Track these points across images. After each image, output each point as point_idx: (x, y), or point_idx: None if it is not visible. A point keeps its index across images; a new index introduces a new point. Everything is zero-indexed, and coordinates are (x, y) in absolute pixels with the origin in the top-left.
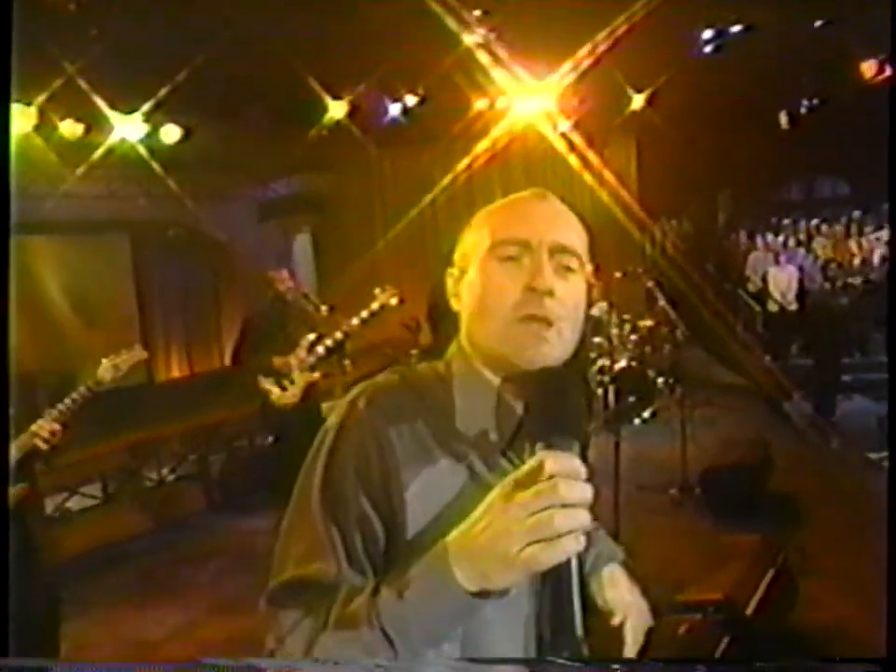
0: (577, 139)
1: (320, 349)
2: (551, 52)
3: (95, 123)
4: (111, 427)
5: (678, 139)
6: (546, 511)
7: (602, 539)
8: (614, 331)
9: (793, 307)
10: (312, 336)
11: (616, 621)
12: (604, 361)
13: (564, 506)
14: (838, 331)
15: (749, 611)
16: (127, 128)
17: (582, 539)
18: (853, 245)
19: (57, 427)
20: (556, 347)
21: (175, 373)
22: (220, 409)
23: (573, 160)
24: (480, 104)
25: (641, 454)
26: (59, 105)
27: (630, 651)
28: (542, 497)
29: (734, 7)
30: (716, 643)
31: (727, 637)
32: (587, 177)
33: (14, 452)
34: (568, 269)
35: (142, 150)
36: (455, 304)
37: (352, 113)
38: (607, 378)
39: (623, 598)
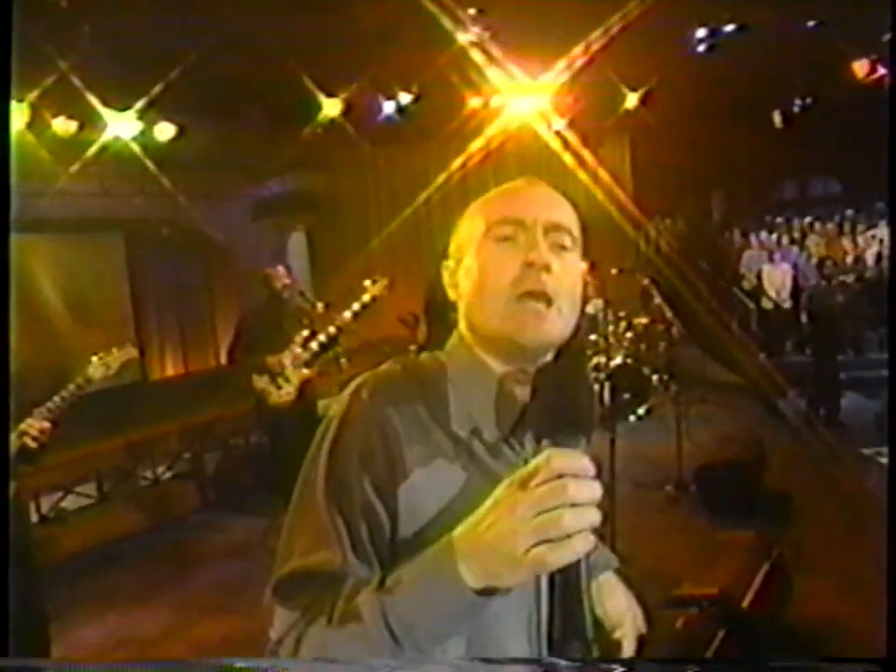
0: (571, 138)
1: (314, 345)
2: (545, 51)
3: (88, 121)
4: (106, 425)
5: (672, 138)
6: (555, 510)
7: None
8: (609, 328)
9: (788, 304)
10: (306, 332)
11: (616, 635)
12: (599, 358)
13: (573, 505)
14: (835, 329)
15: (744, 605)
16: (120, 125)
17: (591, 539)
18: (846, 243)
19: (46, 425)
20: (556, 325)
21: (170, 372)
22: (215, 407)
23: (567, 158)
24: (474, 102)
25: (637, 451)
26: (51, 103)
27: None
28: (551, 496)
29: (727, 6)
30: (712, 637)
31: (723, 631)
32: (581, 176)
33: None
34: (563, 247)
35: (135, 148)
36: (452, 294)
37: (346, 111)
38: (602, 375)
39: (620, 608)
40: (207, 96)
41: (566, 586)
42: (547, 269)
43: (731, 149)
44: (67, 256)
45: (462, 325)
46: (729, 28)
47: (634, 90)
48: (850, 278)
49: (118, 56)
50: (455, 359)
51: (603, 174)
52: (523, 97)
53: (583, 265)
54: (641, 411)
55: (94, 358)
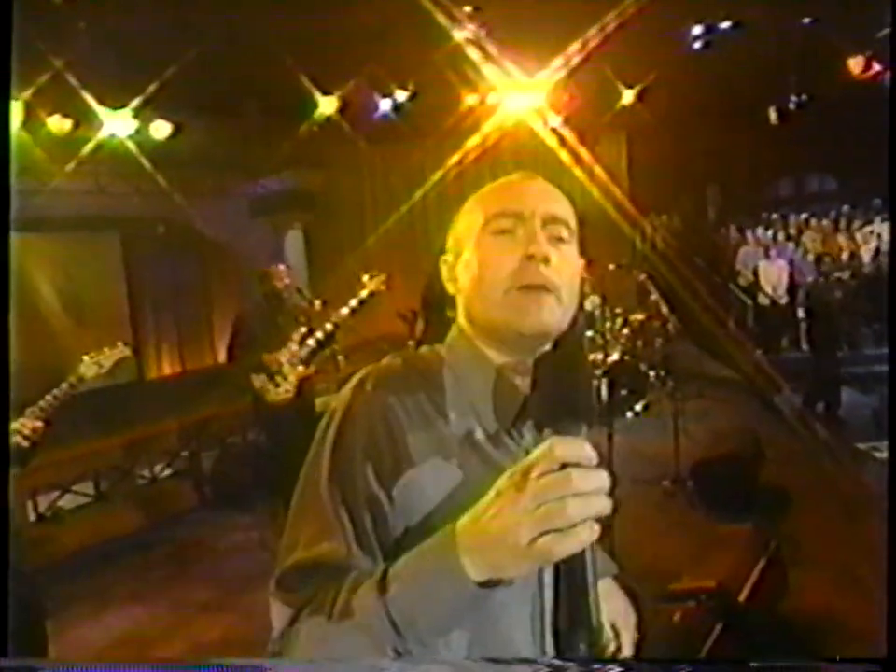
0: (567, 135)
1: (311, 342)
2: (541, 48)
3: (84, 119)
4: (103, 424)
5: (668, 135)
6: (558, 500)
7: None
8: (606, 325)
9: (784, 301)
10: (303, 330)
11: (612, 648)
12: (596, 355)
13: (576, 494)
14: (833, 325)
15: (741, 599)
16: (116, 123)
17: (597, 528)
18: (842, 239)
19: (38, 424)
20: (555, 313)
21: (167, 370)
22: (213, 405)
23: (564, 155)
24: (470, 99)
25: (634, 447)
26: (47, 101)
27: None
28: (554, 485)
29: (723, 3)
30: (709, 630)
31: (720, 624)
32: (578, 173)
33: None
34: (560, 239)
35: (131, 146)
36: (451, 289)
37: (343, 109)
38: (599, 371)
39: (617, 615)
40: (203, 94)
41: (571, 577)
42: (546, 261)
43: (727, 146)
44: (63, 254)
45: (461, 318)
46: (725, 25)
47: (630, 87)
48: (846, 275)
49: (113, 54)
50: (455, 351)
51: (599, 171)
52: (519, 94)
53: (580, 261)
54: (638, 407)
55: (86, 357)
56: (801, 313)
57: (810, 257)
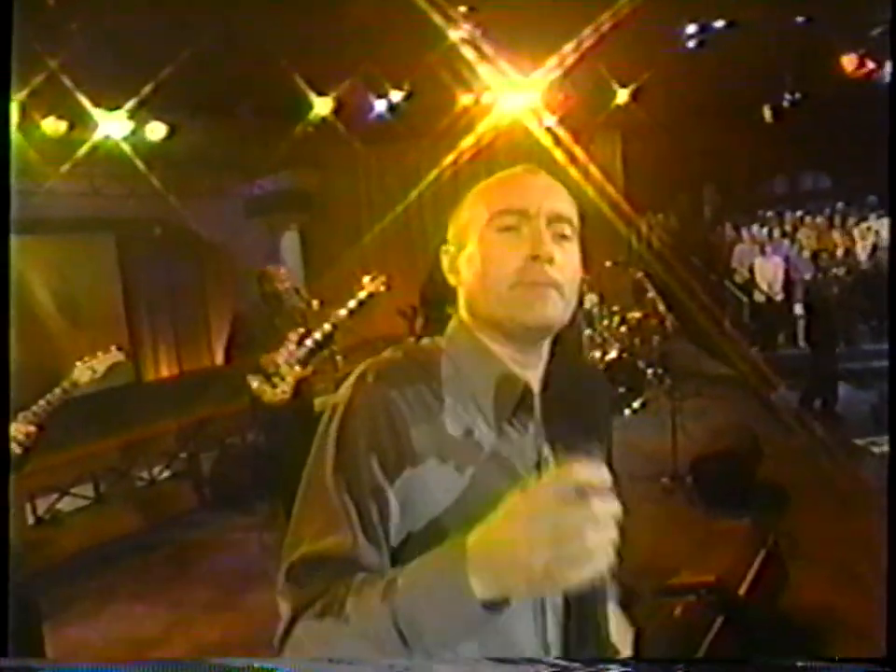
0: (562, 134)
1: (309, 342)
2: (536, 48)
3: (79, 120)
4: (101, 426)
5: (663, 133)
6: (577, 525)
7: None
8: (604, 323)
9: (780, 297)
10: (301, 330)
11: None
12: (594, 353)
13: (594, 521)
14: (832, 321)
15: (741, 593)
16: (111, 125)
17: (612, 555)
18: (837, 236)
19: (32, 429)
20: (559, 308)
21: (164, 372)
22: (211, 407)
23: (559, 155)
24: (465, 99)
25: (632, 444)
26: (41, 102)
27: None
28: (573, 509)
29: (717, 2)
30: (710, 624)
31: (721, 618)
32: (573, 172)
33: None
34: (563, 236)
35: (126, 148)
36: (452, 280)
37: (337, 110)
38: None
39: (616, 641)
40: (198, 95)
41: (580, 598)
42: (551, 261)
43: (722, 144)
44: (58, 257)
45: (462, 310)
46: (719, 24)
47: (625, 86)
48: (842, 271)
49: (108, 55)
50: (456, 343)
51: (594, 170)
52: (514, 94)
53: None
54: (636, 404)
55: (79, 363)
56: (799, 309)
57: (805, 254)
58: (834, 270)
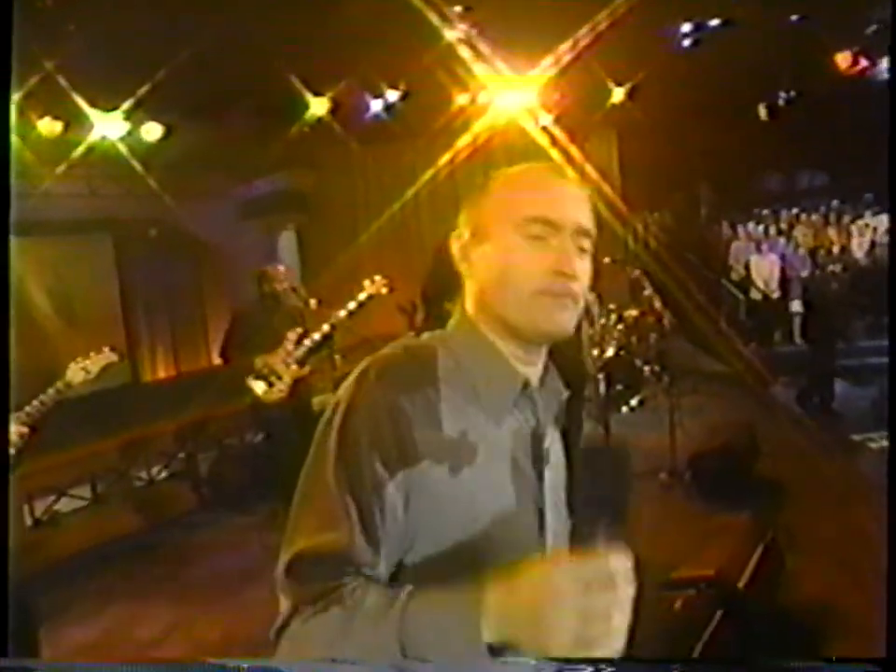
0: (558, 133)
1: (307, 342)
2: (532, 47)
3: (75, 121)
4: (99, 427)
5: (658, 132)
6: (604, 608)
7: None
8: (601, 321)
9: (776, 295)
10: (299, 330)
11: None
12: (592, 351)
13: (621, 607)
14: (831, 317)
15: (740, 586)
16: (107, 126)
17: (626, 632)
18: (833, 233)
19: (25, 430)
20: (574, 318)
21: (162, 373)
22: (209, 407)
23: (555, 154)
24: (461, 99)
25: (630, 440)
26: (37, 103)
27: None
28: (602, 595)
29: (712, 2)
30: (710, 617)
31: (720, 611)
32: (569, 171)
33: None
34: (583, 250)
35: (123, 149)
36: (463, 268)
37: (334, 110)
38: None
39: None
40: (194, 96)
41: None
42: (574, 277)
43: (717, 142)
44: (55, 258)
45: (468, 303)
46: (714, 23)
47: (620, 84)
48: (838, 267)
49: (104, 56)
50: (458, 336)
51: (590, 169)
52: (510, 93)
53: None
54: (634, 402)
55: (72, 363)
56: (796, 306)
57: (801, 251)
58: (831, 267)
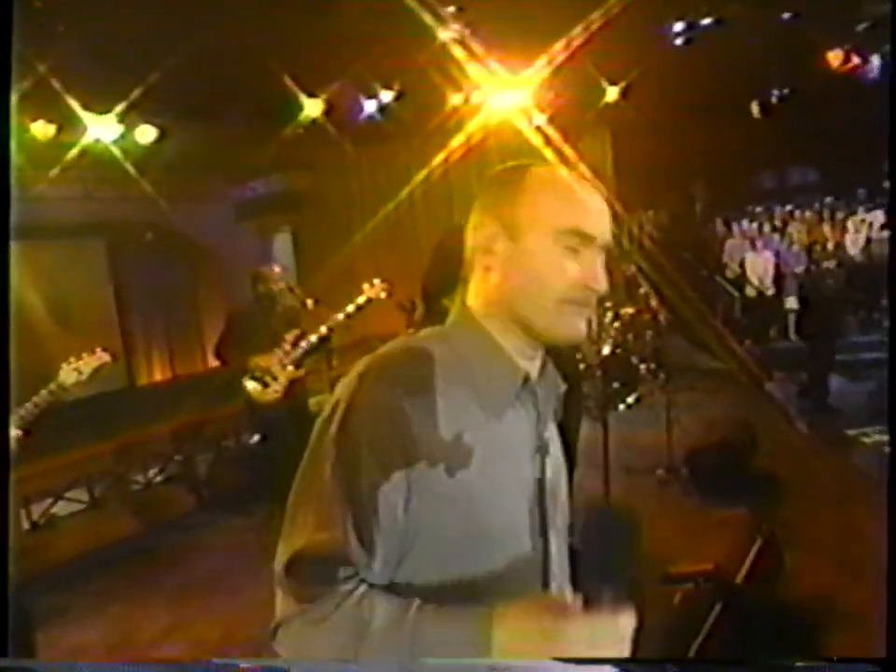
0: (552, 133)
1: (304, 344)
2: (526, 47)
3: (68, 124)
4: (96, 430)
5: (652, 131)
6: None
7: None
8: (597, 319)
9: (771, 292)
10: (296, 331)
11: None
12: (589, 349)
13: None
14: (828, 313)
15: (738, 580)
16: (101, 129)
17: None
18: (827, 229)
19: (19, 433)
20: (586, 323)
21: (157, 376)
22: (206, 409)
23: (549, 153)
24: (455, 99)
25: (627, 437)
26: (30, 106)
27: None
28: (612, 644)
29: (704, 0)
30: (708, 610)
31: (719, 605)
32: (563, 171)
33: None
34: (603, 262)
35: (116, 151)
36: (481, 257)
37: (328, 111)
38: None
39: None
40: (188, 98)
41: None
42: (598, 292)
43: (711, 141)
44: (50, 262)
45: (472, 297)
46: (706, 21)
47: (614, 83)
48: (833, 264)
49: (97, 58)
50: (459, 331)
51: (584, 168)
52: (503, 93)
53: None
54: (631, 399)
55: (65, 365)
56: (793, 303)
57: (796, 248)
58: (826, 263)
